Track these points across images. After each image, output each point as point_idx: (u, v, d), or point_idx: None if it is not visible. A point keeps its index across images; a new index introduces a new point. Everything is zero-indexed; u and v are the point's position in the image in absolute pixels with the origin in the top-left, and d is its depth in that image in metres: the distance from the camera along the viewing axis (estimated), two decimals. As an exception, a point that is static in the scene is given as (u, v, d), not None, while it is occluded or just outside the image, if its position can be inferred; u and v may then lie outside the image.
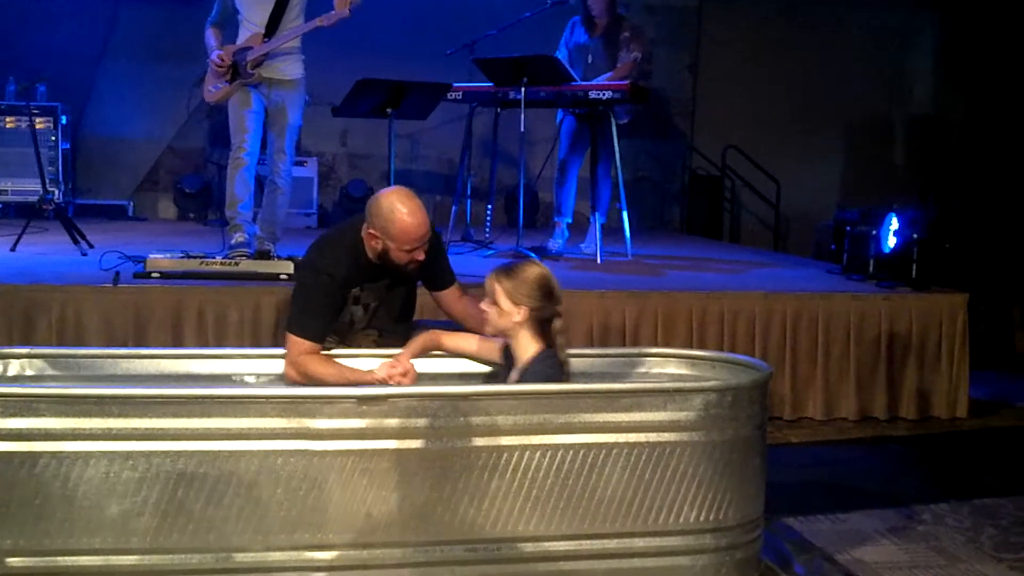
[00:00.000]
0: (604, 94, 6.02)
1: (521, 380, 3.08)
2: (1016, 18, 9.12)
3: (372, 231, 3.32)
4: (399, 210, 3.28)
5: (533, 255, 6.01)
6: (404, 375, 3.22)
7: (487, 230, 6.85)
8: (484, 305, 3.17)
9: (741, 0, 9.86)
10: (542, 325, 3.13)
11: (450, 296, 3.65)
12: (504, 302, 3.10)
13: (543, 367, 3.07)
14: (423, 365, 3.34)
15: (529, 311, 3.09)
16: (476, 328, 3.43)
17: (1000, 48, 9.47)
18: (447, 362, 3.41)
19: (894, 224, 5.57)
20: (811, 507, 3.82)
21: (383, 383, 3.17)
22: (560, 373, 3.09)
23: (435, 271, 3.59)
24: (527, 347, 3.13)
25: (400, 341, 3.43)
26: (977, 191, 9.34)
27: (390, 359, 3.31)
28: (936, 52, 10.46)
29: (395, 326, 3.60)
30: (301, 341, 3.28)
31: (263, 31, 5.25)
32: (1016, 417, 5.46)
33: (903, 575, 3.26)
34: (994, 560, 3.39)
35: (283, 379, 3.30)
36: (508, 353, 3.22)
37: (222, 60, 5.28)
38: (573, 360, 3.20)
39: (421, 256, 3.37)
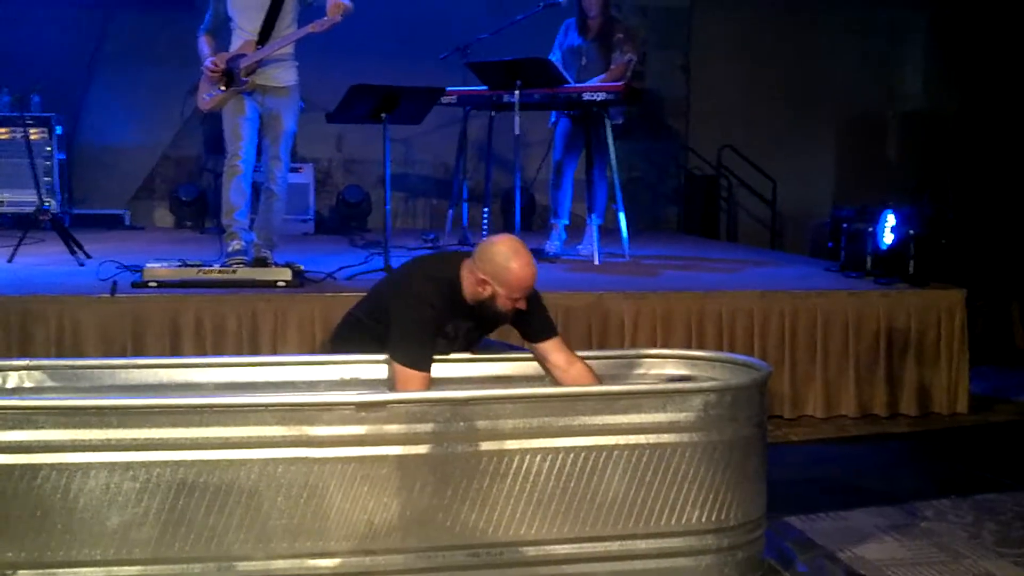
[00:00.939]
0: (598, 96, 6.01)
1: None
2: (1008, 11, 9.12)
3: (482, 276, 3.29)
4: (515, 260, 3.27)
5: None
6: None
7: (484, 233, 6.83)
8: None
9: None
10: None
11: (551, 349, 3.47)
12: None
13: None
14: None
15: None
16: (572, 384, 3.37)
17: (993, 42, 9.47)
18: (445, 367, 3.40)
19: (891, 221, 5.57)
20: (813, 505, 3.82)
21: None
22: None
23: (535, 321, 3.49)
24: None
25: None
26: (973, 186, 9.34)
27: None
28: (929, 47, 10.46)
29: None
30: (415, 374, 3.21)
31: (256, 38, 5.24)
32: (1016, 412, 5.46)
33: (905, 572, 3.26)
34: (996, 555, 3.39)
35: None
36: None
37: (216, 67, 5.27)
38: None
39: (523, 306, 3.36)
